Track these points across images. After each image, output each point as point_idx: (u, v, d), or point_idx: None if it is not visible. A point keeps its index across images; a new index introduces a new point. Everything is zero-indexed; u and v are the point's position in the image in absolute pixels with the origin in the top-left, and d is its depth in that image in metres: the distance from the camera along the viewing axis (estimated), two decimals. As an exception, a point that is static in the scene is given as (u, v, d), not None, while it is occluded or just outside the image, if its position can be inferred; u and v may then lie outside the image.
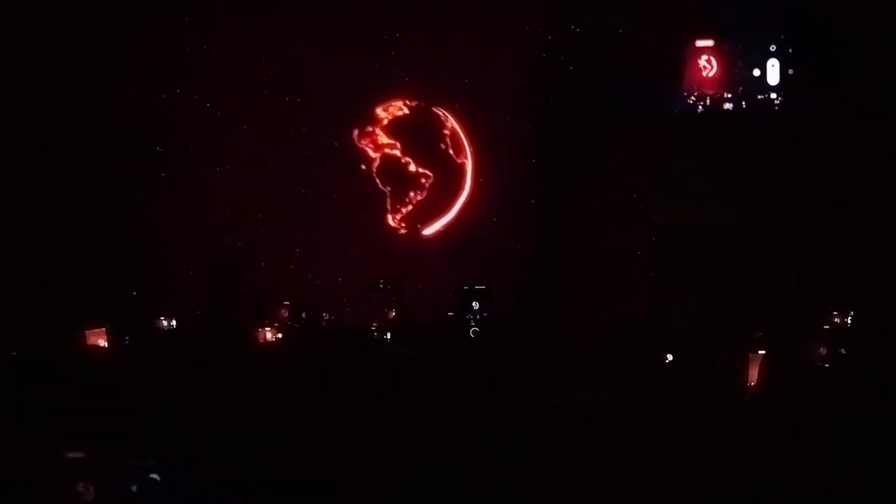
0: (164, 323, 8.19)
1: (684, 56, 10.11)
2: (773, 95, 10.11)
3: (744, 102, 10.07)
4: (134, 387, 6.54)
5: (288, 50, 9.93)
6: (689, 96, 10.11)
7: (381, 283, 8.40)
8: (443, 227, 10.10)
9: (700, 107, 10.13)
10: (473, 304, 7.98)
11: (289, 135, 9.95)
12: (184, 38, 9.67)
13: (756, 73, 10.13)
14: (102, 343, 7.58)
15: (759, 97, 10.03)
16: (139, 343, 7.75)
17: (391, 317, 8.18)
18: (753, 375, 6.83)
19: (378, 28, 9.93)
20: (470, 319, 7.92)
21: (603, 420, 5.86)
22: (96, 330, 7.55)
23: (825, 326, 7.38)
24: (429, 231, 10.03)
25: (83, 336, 7.51)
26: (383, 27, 9.93)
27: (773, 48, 10.10)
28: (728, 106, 10.12)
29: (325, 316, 8.44)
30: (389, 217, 10.02)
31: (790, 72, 10.11)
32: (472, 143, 10.23)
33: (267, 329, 7.75)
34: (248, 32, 9.85)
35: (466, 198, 10.20)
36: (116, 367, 7.12)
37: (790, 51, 10.06)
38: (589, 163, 9.70)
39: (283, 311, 8.13)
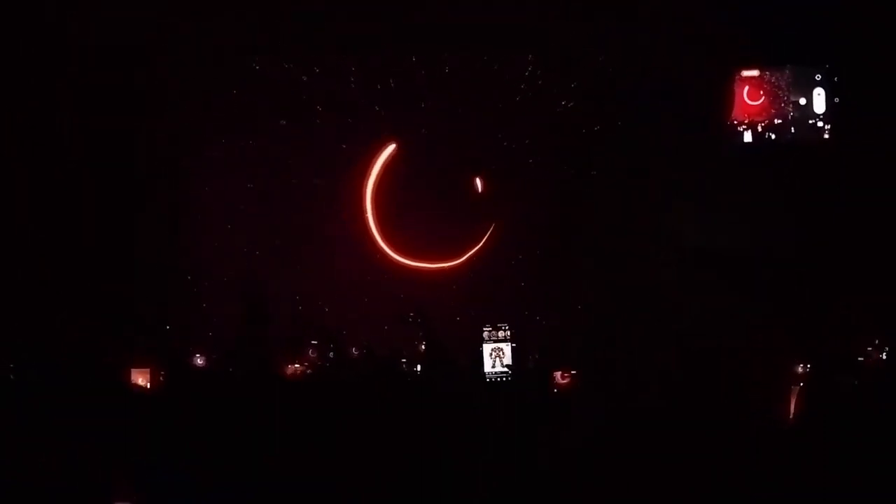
0: (199, 361, 8.30)
1: (730, 85, 10.04)
2: (820, 124, 9.99)
3: (793, 129, 9.93)
4: (169, 426, 6.61)
5: (315, 88, 10.08)
6: (737, 125, 10.03)
7: (410, 317, 8.36)
8: (471, 259, 10.05)
9: (748, 136, 10.04)
10: (492, 351, 7.87)
11: (316, 174, 10.07)
12: (209, 80, 9.91)
13: (802, 101, 10.01)
14: (144, 382, 7.70)
15: (806, 125, 9.88)
16: (174, 382, 7.86)
17: (420, 350, 8.12)
18: (790, 408, 6.65)
19: (397, 59, 10.02)
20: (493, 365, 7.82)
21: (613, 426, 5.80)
22: (141, 370, 7.68)
23: (860, 358, 7.18)
24: (455, 263, 9.99)
25: (128, 374, 7.65)
26: (402, 57, 10.01)
27: (818, 77, 9.98)
28: (773, 135, 10.00)
29: (354, 351, 8.45)
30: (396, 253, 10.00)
31: (836, 100, 9.98)
32: (498, 176, 10.19)
33: (296, 366, 7.82)
34: (275, 71, 10.03)
35: (493, 231, 10.14)
36: (156, 407, 7.20)
37: (836, 80, 9.93)
38: (618, 191, 9.62)
39: (311, 349, 8.17)
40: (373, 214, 10.11)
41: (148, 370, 7.76)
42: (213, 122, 10.05)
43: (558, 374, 7.65)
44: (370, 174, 10.15)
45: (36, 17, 9.31)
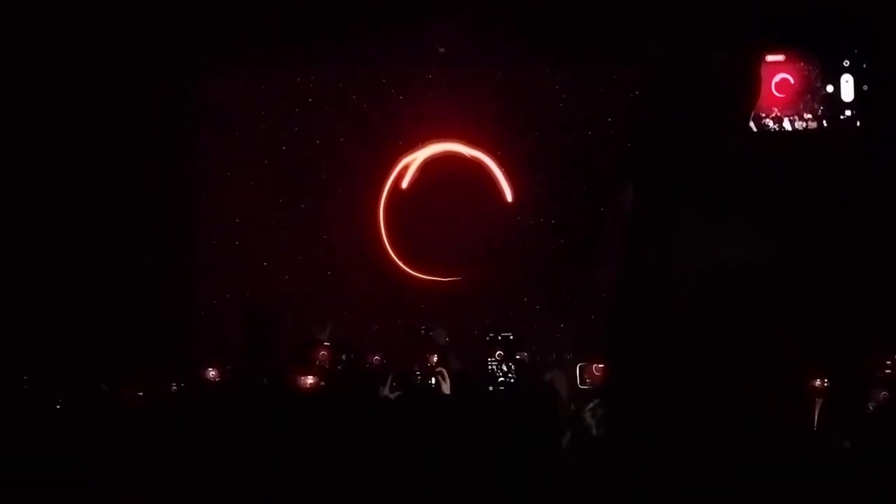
0: (212, 373, 8.39)
1: (756, 74, 9.79)
2: (848, 112, 9.73)
3: (825, 122, 9.69)
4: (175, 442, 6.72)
5: (324, 96, 10.12)
6: (764, 117, 9.79)
7: (423, 329, 8.42)
8: (487, 269, 10.10)
9: (776, 127, 9.81)
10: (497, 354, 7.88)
11: (327, 180, 10.13)
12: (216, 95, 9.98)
13: (829, 89, 9.77)
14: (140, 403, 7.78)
15: (835, 116, 9.65)
16: (184, 396, 7.99)
17: (432, 362, 8.17)
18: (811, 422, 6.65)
19: (415, 76, 10.03)
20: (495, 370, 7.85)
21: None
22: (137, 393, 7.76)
23: (887, 370, 7.13)
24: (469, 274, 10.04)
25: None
26: (416, 69, 10.02)
27: (846, 64, 9.73)
28: (801, 125, 9.76)
29: (375, 359, 8.50)
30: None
31: (865, 88, 9.73)
32: (512, 187, 10.16)
33: (309, 379, 7.87)
34: (280, 85, 10.06)
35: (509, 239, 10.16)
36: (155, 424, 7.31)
37: (864, 66, 9.68)
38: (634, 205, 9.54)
39: (322, 352, 8.22)
40: (385, 225, 10.16)
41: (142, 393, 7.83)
42: (221, 126, 10.12)
43: (592, 367, 7.71)
44: (385, 185, 10.19)
45: (35, 15, 9.41)
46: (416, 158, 10.18)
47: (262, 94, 10.21)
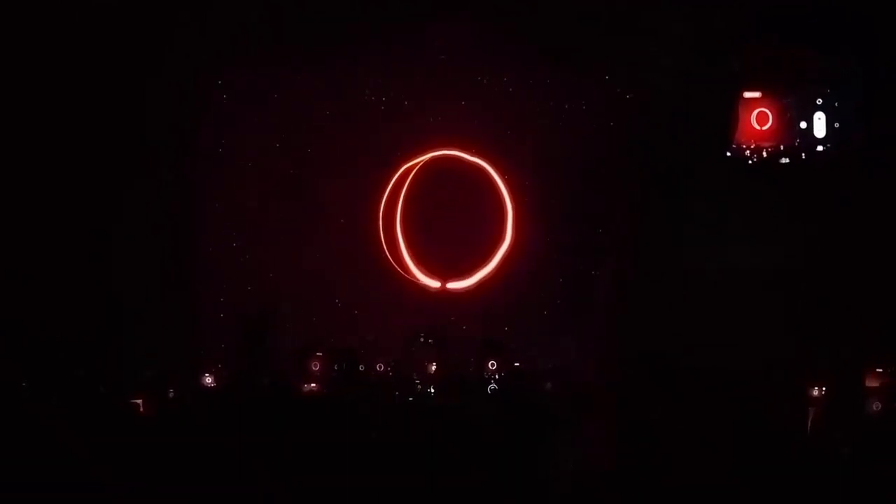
0: (209, 379, 8.57)
1: (734, 108, 10.39)
2: (820, 148, 10.38)
3: (804, 154, 10.31)
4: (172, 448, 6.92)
5: (324, 97, 10.29)
6: (743, 148, 10.35)
7: (422, 336, 8.67)
8: (485, 279, 10.25)
9: (754, 158, 10.39)
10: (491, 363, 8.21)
11: (326, 182, 10.30)
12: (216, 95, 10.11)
13: (803, 125, 10.41)
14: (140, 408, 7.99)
15: (812, 150, 10.29)
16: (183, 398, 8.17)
17: (432, 370, 8.44)
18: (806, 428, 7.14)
19: (415, 78, 10.24)
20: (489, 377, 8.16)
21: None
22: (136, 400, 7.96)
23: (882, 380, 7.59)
24: (467, 283, 10.16)
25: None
26: (420, 77, 10.23)
27: (819, 101, 10.38)
28: (783, 160, 10.40)
29: (379, 366, 8.71)
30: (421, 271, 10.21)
31: (836, 125, 10.39)
32: (512, 196, 10.42)
33: (312, 385, 8.11)
34: (280, 88, 10.23)
35: (507, 251, 10.32)
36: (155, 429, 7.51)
37: (836, 104, 10.33)
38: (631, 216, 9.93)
39: (315, 362, 8.41)
40: (384, 230, 10.28)
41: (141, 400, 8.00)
42: (221, 125, 10.23)
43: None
44: (385, 188, 10.30)
45: (36, 15, 9.52)
46: (416, 163, 10.34)
47: (261, 94, 10.25)
